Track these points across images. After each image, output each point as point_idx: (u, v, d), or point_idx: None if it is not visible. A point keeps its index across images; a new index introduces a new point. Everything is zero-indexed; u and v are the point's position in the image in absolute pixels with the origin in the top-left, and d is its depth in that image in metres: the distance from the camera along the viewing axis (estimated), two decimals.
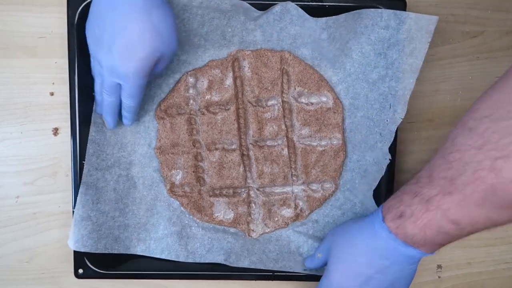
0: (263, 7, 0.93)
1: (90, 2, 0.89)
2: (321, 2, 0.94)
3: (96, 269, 0.97)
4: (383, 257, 0.82)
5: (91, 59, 0.89)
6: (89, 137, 0.93)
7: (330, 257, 0.89)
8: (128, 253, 0.96)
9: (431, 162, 0.77)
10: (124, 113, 0.90)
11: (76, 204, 0.93)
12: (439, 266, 1.04)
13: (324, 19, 0.93)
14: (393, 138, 0.95)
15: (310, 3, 0.94)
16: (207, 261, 0.96)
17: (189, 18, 0.91)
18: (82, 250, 0.93)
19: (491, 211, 0.71)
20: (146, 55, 0.80)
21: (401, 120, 0.94)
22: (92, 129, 0.93)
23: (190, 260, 0.96)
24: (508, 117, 0.67)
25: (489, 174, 0.68)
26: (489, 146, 0.68)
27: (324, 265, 0.93)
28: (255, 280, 0.99)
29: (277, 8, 0.92)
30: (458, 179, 0.71)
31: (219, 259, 0.96)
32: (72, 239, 0.93)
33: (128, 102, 0.87)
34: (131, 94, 0.85)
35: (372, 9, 0.91)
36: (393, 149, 0.96)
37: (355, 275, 0.85)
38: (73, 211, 0.94)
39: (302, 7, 0.93)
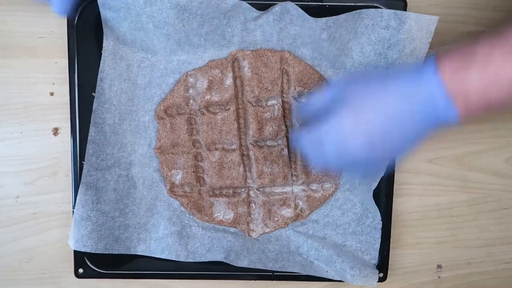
0: (263, 7, 0.93)
1: (89, 3, 0.90)
2: (321, 2, 0.94)
3: (96, 269, 0.97)
4: (415, 108, 0.75)
5: None
6: (89, 137, 0.93)
7: (344, 98, 0.79)
8: (129, 253, 0.96)
9: None
10: None
11: (76, 204, 0.93)
12: (439, 266, 1.04)
13: (324, 19, 0.93)
14: None
15: (310, 3, 0.94)
16: (207, 260, 0.96)
17: (188, 18, 0.91)
18: (82, 249, 0.93)
19: None
20: None
21: None
22: (91, 129, 0.93)
23: (190, 260, 0.96)
24: None
25: None
26: None
27: (310, 114, 0.86)
28: (255, 280, 0.99)
29: (277, 8, 0.92)
30: None
31: (219, 257, 0.96)
32: (72, 238, 0.93)
33: None
34: None
35: (372, 9, 0.91)
36: None
37: (374, 116, 0.76)
38: (73, 211, 0.94)
39: (302, 7, 0.92)
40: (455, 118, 0.74)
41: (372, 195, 0.96)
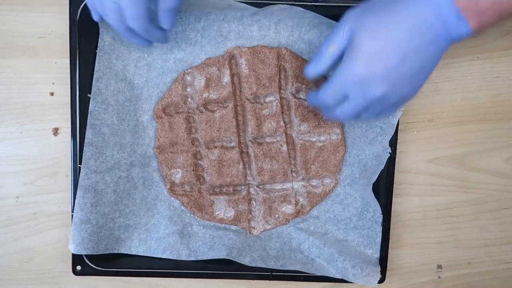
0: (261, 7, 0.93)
1: None
2: (321, 2, 0.94)
3: (94, 266, 0.97)
4: (427, 31, 0.74)
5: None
6: (86, 140, 0.92)
7: (353, 40, 0.77)
8: (130, 253, 0.96)
9: None
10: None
11: (75, 208, 0.93)
12: (439, 266, 1.04)
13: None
14: (393, 131, 0.95)
15: (310, 3, 0.94)
16: (209, 258, 0.96)
17: (185, 11, 0.91)
18: (84, 253, 0.93)
19: None
20: None
21: (401, 112, 0.94)
22: (88, 131, 0.92)
23: (192, 258, 0.96)
24: None
25: None
26: None
27: (334, 65, 0.82)
28: (254, 280, 0.99)
29: (276, 7, 0.92)
30: None
31: (221, 255, 0.96)
32: (73, 243, 0.93)
33: (132, 24, 0.80)
34: (131, 14, 0.78)
35: None
36: (393, 149, 0.96)
37: (388, 53, 0.75)
38: (71, 215, 0.94)
39: (301, 7, 0.92)
40: (468, 32, 0.74)
41: (371, 188, 0.96)
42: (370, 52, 0.75)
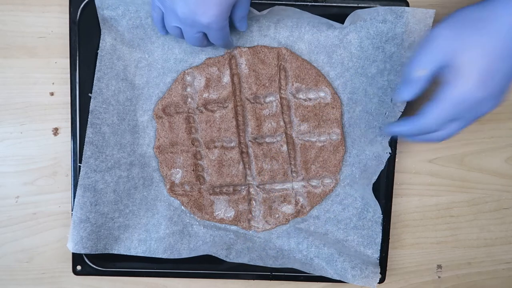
0: (261, 9, 0.93)
1: (91, 1, 0.90)
2: (321, 3, 0.94)
3: (95, 266, 0.97)
4: None
5: (159, 13, 0.86)
6: (86, 139, 0.92)
7: (457, 62, 0.73)
8: (129, 254, 0.96)
9: None
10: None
11: (74, 206, 0.93)
12: (439, 266, 1.04)
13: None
14: None
15: (310, 3, 0.94)
16: (209, 254, 0.95)
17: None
18: (82, 252, 0.93)
19: None
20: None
21: (401, 113, 0.94)
22: (89, 130, 0.92)
23: (193, 255, 0.96)
24: None
25: None
26: None
27: (421, 90, 0.78)
28: (254, 280, 0.99)
29: (276, 7, 0.92)
30: None
31: (221, 254, 0.95)
32: (72, 241, 0.93)
33: (216, 43, 0.86)
34: (217, 37, 0.84)
35: (368, 8, 0.92)
36: (393, 149, 0.96)
37: (502, 71, 0.72)
38: (71, 213, 0.94)
39: (301, 7, 0.92)
40: None
41: (371, 188, 0.96)
42: (484, 73, 0.72)
